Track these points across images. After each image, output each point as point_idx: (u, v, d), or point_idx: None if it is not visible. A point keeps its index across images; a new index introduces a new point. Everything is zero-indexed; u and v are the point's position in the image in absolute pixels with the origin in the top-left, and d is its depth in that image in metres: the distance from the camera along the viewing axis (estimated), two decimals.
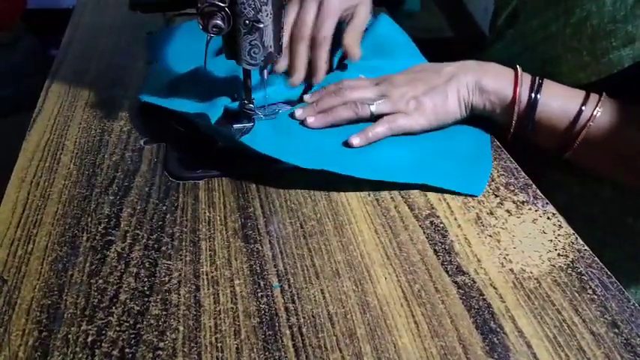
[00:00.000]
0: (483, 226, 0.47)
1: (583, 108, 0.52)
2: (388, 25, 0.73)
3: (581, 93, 0.53)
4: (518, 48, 0.63)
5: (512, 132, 0.55)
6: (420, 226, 0.47)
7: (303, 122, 0.58)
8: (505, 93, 0.54)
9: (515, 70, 0.55)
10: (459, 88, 0.56)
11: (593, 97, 0.53)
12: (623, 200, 0.59)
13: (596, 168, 0.56)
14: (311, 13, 0.60)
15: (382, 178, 0.51)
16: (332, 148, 0.54)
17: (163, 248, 0.45)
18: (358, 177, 0.51)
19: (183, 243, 0.46)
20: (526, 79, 0.55)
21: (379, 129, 0.55)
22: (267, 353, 0.37)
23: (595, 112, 0.52)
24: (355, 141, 0.54)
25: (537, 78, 0.54)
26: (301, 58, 0.61)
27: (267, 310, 0.40)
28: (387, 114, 0.56)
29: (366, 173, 0.51)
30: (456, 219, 0.48)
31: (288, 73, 0.62)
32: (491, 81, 0.55)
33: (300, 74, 0.61)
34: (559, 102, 0.53)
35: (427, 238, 0.46)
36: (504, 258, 0.44)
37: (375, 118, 0.57)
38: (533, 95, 0.53)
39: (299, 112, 0.58)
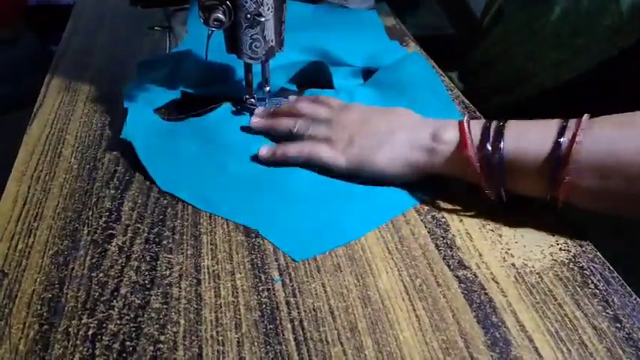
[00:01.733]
0: (485, 220, 0.47)
1: (561, 139, 0.41)
2: (419, 64, 0.67)
3: (556, 122, 0.43)
4: (502, 46, 0.63)
5: (490, 188, 0.45)
6: (421, 220, 0.47)
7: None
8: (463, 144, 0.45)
9: (460, 121, 0.46)
10: (403, 144, 0.48)
11: (572, 123, 0.42)
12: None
13: (610, 207, 0.43)
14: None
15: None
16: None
17: (164, 242, 0.45)
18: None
19: (184, 237, 0.45)
20: (481, 125, 0.45)
21: (291, 151, 0.51)
22: (268, 347, 0.37)
23: (579, 139, 0.40)
24: (262, 152, 0.51)
25: (496, 121, 0.45)
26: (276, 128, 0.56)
27: (268, 304, 0.40)
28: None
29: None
30: (457, 213, 0.48)
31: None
32: (451, 130, 0.46)
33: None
34: (529, 139, 0.43)
35: (429, 232, 0.46)
36: (506, 252, 0.44)
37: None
38: (492, 142, 0.43)
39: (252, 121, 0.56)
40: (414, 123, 0.49)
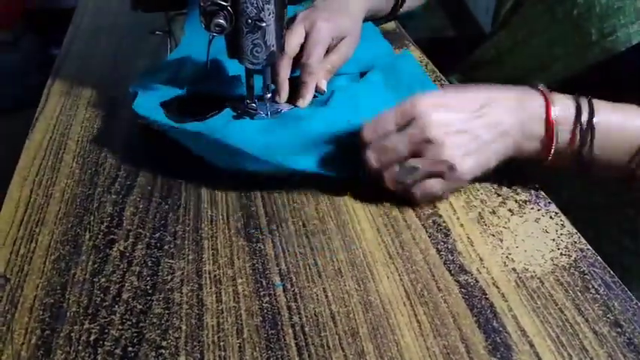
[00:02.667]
0: (486, 225, 0.47)
1: None
2: (410, 63, 0.68)
3: (635, 108, 0.47)
4: (523, 34, 0.63)
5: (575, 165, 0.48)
6: (422, 225, 0.47)
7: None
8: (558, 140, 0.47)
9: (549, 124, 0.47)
10: (507, 149, 0.48)
11: None
12: (625, 192, 0.59)
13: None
14: (297, 36, 0.59)
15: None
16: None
17: (166, 247, 0.45)
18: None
19: (186, 242, 0.46)
20: (566, 112, 0.47)
21: (420, 196, 0.48)
22: (269, 352, 0.37)
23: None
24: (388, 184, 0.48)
25: (582, 103, 0.47)
26: (281, 75, 0.58)
27: (269, 309, 0.40)
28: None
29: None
30: (458, 218, 0.48)
31: (275, 90, 0.59)
32: (531, 145, 0.48)
33: (283, 93, 0.59)
34: (618, 122, 0.46)
35: (429, 237, 0.46)
36: (507, 257, 0.44)
37: None
38: (583, 131, 0.46)
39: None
40: (505, 122, 0.47)
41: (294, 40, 0.59)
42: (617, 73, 0.52)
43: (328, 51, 0.61)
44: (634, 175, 0.47)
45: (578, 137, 0.46)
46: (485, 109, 0.47)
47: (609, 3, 0.53)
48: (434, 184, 0.47)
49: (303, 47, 0.60)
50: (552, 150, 0.47)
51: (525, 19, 0.63)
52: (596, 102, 0.47)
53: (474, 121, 0.47)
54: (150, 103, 0.57)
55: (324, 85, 0.60)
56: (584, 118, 0.46)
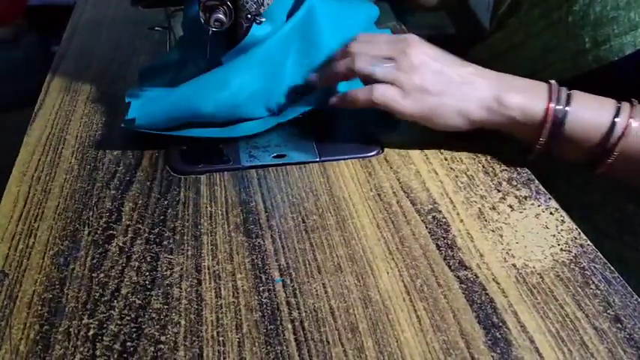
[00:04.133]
0: (486, 221, 0.47)
1: (616, 119, 0.48)
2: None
3: (612, 102, 0.50)
4: (519, 37, 0.63)
5: (536, 149, 0.51)
6: (422, 220, 0.47)
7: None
8: (533, 110, 0.50)
9: (549, 83, 0.51)
10: (468, 99, 0.51)
11: (625, 105, 0.49)
12: (625, 188, 0.58)
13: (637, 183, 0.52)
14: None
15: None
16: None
17: (165, 242, 0.45)
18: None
19: (185, 237, 0.45)
20: (558, 92, 0.50)
21: (361, 96, 0.52)
22: (268, 347, 0.37)
23: (629, 122, 0.48)
24: (331, 100, 0.53)
25: (565, 89, 0.50)
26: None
27: (268, 305, 0.40)
28: (383, 82, 0.52)
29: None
30: (458, 214, 0.48)
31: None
32: (517, 96, 0.50)
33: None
34: (590, 114, 0.49)
35: (429, 232, 0.46)
36: (507, 253, 0.44)
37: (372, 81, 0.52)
38: (562, 109, 0.49)
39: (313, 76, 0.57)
40: (477, 75, 0.52)
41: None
42: (609, 82, 0.52)
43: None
44: (600, 160, 0.49)
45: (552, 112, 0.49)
46: (470, 68, 0.53)
47: (603, 12, 0.53)
48: (392, 91, 0.51)
49: None
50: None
51: (522, 22, 0.63)
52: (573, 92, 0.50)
53: (456, 67, 0.52)
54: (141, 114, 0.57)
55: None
56: (563, 92, 0.50)
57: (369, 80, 0.53)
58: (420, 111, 0.51)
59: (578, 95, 0.50)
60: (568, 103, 0.49)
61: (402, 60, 0.52)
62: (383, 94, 0.51)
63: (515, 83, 0.52)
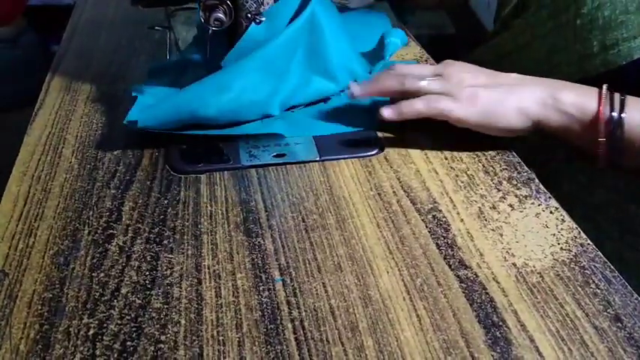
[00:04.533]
0: (486, 220, 0.47)
1: None
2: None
3: None
4: (525, 38, 0.63)
5: (599, 154, 0.49)
6: (422, 220, 0.47)
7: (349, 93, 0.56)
8: (588, 107, 0.48)
9: (600, 87, 0.50)
10: (524, 97, 0.50)
11: None
12: (628, 188, 0.58)
13: None
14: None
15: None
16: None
17: (165, 242, 0.45)
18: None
19: (185, 236, 0.45)
20: (609, 95, 0.49)
21: (418, 105, 0.51)
22: (268, 347, 0.37)
23: None
24: (386, 113, 0.52)
25: (619, 94, 0.49)
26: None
27: (268, 304, 0.40)
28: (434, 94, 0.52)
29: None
30: (458, 213, 0.48)
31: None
32: (571, 94, 0.49)
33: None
34: None
35: (429, 232, 0.46)
36: (507, 252, 0.44)
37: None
38: (617, 112, 0.47)
39: (356, 90, 0.55)
40: (527, 78, 0.52)
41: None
42: (616, 86, 0.52)
43: None
44: None
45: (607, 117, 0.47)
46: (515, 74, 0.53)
47: (612, 16, 0.53)
48: (446, 99, 0.51)
49: None
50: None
51: (528, 23, 0.63)
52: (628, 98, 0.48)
53: (502, 76, 0.52)
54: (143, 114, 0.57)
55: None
56: (617, 96, 0.48)
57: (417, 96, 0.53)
58: (478, 114, 0.51)
59: (632, 99, 0.48)
60: (623, 107, 0.47)
61: (448, 74, 0.52)
62: (438, 101, 0.51)
63: (566, 84, 0.51)
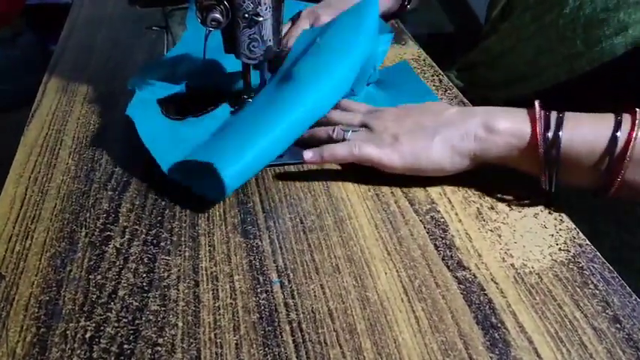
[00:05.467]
0: (484, 220, 0.47)
1: (617, 134, 0.43)
2: (406, 71, 0.69)
3: (610, 116, 0.45)
4: (511, 41, 0.63)
5: (546, 178, 0.46)
6: (420, 220, 0.47)
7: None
8: (522, 130, 0.46)
9: (531, 106, 0.47)
10: (452, 136, 0.48)
11: (626, 117, 0.44)
12: None
13: None
14: (301, 29, 0.61)
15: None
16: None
17: (162, 244, 0.45)
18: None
19: (182, 238, 0.45)
20: (542, 114, 0.46)
21: (340, 151, 0.50)
22: (266, 349, 0.37)
23: (635, 134, 0.43)
24: (307, 156, 0.50)
25: (556, 112, 0.46)
26: None
27: (266, 306, 0.40)
28: None
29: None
30: (456, 214, 0.48)
31: None
32: (503, 120, 0.47)
33: None
34: (585, 132, 0.44)
35: (428, 232, 0.46)
36: (505, 253, 0.44)
37: None
38: (553, 131, 0.45)
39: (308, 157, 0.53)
40: (459, 113, 0.50)
41: (298, 32, 0.60)
42: (603, 84, 0.52)
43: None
44: (610, 180, 0.44)
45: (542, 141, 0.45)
46: (453, 109, 0.51)
47: (594, 14, 0.53)
48: (370, 145, 0.50)
49: None
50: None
51: (514, 26, 0.63)
52: (567, 115, 0.46)
53: (436, 114, 0.50)
54: (144, 112, 0.56)
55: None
56: (553, 115, 0.46)
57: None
58: (402, 159, 0.49)
59: (570, 116, 0.46)
60: (560, 125, 0.45)
61: (373, 125, 0.52)
62: (361, 147, 0.50)
63: (498, 111, 0.48)
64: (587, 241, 0.45)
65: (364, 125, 0.53)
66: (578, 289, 0.41)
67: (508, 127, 0.46)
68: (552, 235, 0.46)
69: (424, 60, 0.71)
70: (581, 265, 0.43)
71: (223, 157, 0.47)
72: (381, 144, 0.50)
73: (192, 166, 0.49)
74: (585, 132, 0.44)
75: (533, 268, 0.43)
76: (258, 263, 0.43)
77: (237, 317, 0.39)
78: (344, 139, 0.52)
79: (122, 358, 0.36)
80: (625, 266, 0.45)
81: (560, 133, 0.44)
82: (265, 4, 0.51)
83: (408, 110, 0.52)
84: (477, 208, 0.48)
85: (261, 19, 0.52)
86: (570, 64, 0.56)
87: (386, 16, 0.79)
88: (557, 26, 0.56)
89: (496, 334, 0.38)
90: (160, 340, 0.37)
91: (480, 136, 0.47)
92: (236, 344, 0.37)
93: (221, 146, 0.50)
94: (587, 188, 0.46)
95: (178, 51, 0.67)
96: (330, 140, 0.53)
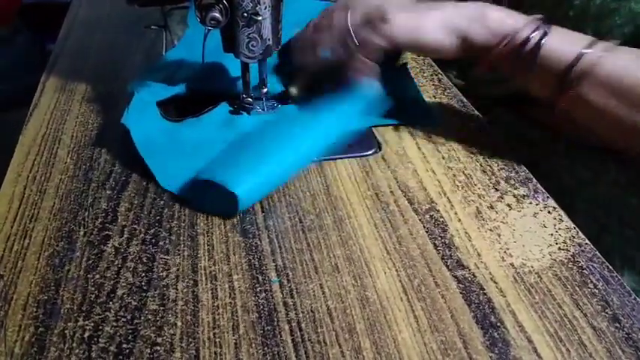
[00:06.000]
0: (484, 220, 0.47)
1: (589, 50, 0.47)
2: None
3: (590, 38, 0.48)
4: None
5: (510, 68, 0.50)
6: (419, 220, 0.47)
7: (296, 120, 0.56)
8: (511, 24, 0.49)
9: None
10: (450, 13, 0.50)
11: (600, 43, 0.48)
12: (629, 183, 0.58)
13: (605, 128, 0.50)
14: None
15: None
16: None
17: (161, 243, 0.45)
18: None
19: (181, 237, 0.45)
20: (533, 19, 0.50)
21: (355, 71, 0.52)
22: (265, 348, 0.37)
23: (601, 54, 0.46)
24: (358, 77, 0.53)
25: (543, 21, 0.49)
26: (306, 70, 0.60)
27: (265, 305, 0.40)
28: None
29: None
30: (456, 213, 0.48)
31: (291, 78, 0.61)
32: (499, 12, 0.50)
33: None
34: (564, 42, 0.48)
35: (427, 232, 0.46)
36: (505, 252, 0.44)
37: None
38: (539, 33, 0.48)
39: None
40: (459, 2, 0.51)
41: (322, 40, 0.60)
42: None
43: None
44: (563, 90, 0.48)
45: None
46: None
47: (604, 4, 0.53)
48: (369, 34, 0.51)
49: None
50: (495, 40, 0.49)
51: None
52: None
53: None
54: (141, 113, 0.56)
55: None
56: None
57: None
58: (404, 32, 0.51)
59: (557, 28, 0.49)
60: (546, 32, 0.48)
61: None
62: (366, 42, 0.52)
63: (499, 7, 0.51)
64: (587, 240, 0.45)
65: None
66: (578, 289, 0.41)
67: (499, 16, 0.49)
68: (552, 235, 0.45)
69: (423, 59, 0.71)
70: (580, 265, 0.43)
71: (236, 176, 0.47)
72: (380, 25, 0.51)
73: (195, 183, 0.49)
74: (564, 41, 0.48)
75: (532, 267, 0.43)
76: (257, 262, 0.43)
77: (237, 317, 0.39)
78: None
79: (121, 357, 0.36)
80: (627, 260, 0.44)
81: (545, 37, 0.48)
82: (264, 3, 0.51)
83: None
84: (477, 207, 0.48)
85: (260, 18, 0.52)
86: None
87: None
88: (568, 18, 0.56)
89: (495, 334, 0.38)
90: (159, 340, 0.37)
91: (475, 17, 0.50)
92: (235, 344, 0.37)
93: (232, 164, 0.50)
94: (542, 96, 0.50)
95: (180, 50, 0.67)
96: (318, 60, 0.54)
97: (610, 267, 0.43)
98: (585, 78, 0.46)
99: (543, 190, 0.50)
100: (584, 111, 0.48)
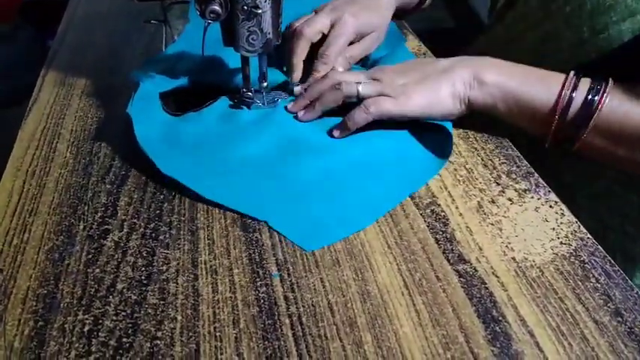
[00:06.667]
0: (485, 214, 0.47)
1: (594, 98, 0.49)
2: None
3: (587, 81, 0.50)
4: (518, 29, 0.63)
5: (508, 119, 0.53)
6: (420, 214, 0.47)
7: (295, 116, 0.57)
8: (506, 85, 0.51)
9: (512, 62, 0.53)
10: (454, 81, 0.53)
11: (599, 85, 0.49)
12: (629, 179, 0.58)
13: (606, 158, 0.52)
14: (320, 24, 0.61)
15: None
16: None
17: (161, 237, 0.44)
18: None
19: (181, 232, 0.45)
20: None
21: (359, 117, 0.53)
22: (266, 342, 0.37)
23: (604, 99, 0.48)
24: (336, 134, 0.54)
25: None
26: (297, 55, 0.60)
27: (266, 299, 0.39)
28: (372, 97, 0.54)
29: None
30: (457, 207, 0.47)
31: (288, 70, 0.61)
32: (492, 74, 0.52)
33: (296, 74, 0.60)
34: (540, 90, 0.51)
35: (428, 226, 0.45)
36: (506, 246, 0.44)
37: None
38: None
39: (290, 106, 0.57)
40: (459, 62, 0.54)
41: (316, 26, 0.61)
42: (610, 70, 0.51)
43: (350, 44, 0.62)
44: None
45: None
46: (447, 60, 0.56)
47: (600, 0, 0.52)
48: (383, 100, 0.53)
49: (324, 36, 0.61)
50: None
51: (521, 14, 0.63)
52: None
53: (432, 63, 0.56)
54: (145, 105, 0.55)
55: (340, 69, 0.61)
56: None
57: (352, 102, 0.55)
58: (418, 106, 0.53)
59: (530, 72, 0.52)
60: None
61: (379, 77, 0.55)
62: (378, 104, 0.53)
63: (493, 62, 0.53)
64: (589, 235, 0.45)
65: (371, 79, 0.55)
66: (580, 283, 0.41)
67: (495, 80, 0.52)
68: (553, 229, 0.45)
69: (424, 54, 0.71)
70: (582, 259, 0.43)
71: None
72: (394, 95, 0.53)
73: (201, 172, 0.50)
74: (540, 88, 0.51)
75: (534, 261, 0.42)
76: (257, 256, 0.43)
77: (237, 311, 0.39)
78: (358, 95, 0.54)
79: (121, 351, 0.36)
80: (628, 256, 0.44)
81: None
82: None
83: (407, 64, 0.57)
84: (478, 201, 0.48)
85: (260, 11, 0.51)
86: (576, 50, 0.55)
87: (403, 14, 0.77)
88: (564, 13, 0.55)
89: (497, 328, 0.38)
90: (159, 334, 0.37)
91: (471, 83, 0.52)
92: (235, 338, 0.37)
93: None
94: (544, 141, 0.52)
95: (181, 44, 0.67)
96: (340, 97, 0.55)
97: (612, 261, 0.42)
98: (590, 127, 0.49)
99: (545, 185, 0.50)
100: (594, 153, 0.51)
